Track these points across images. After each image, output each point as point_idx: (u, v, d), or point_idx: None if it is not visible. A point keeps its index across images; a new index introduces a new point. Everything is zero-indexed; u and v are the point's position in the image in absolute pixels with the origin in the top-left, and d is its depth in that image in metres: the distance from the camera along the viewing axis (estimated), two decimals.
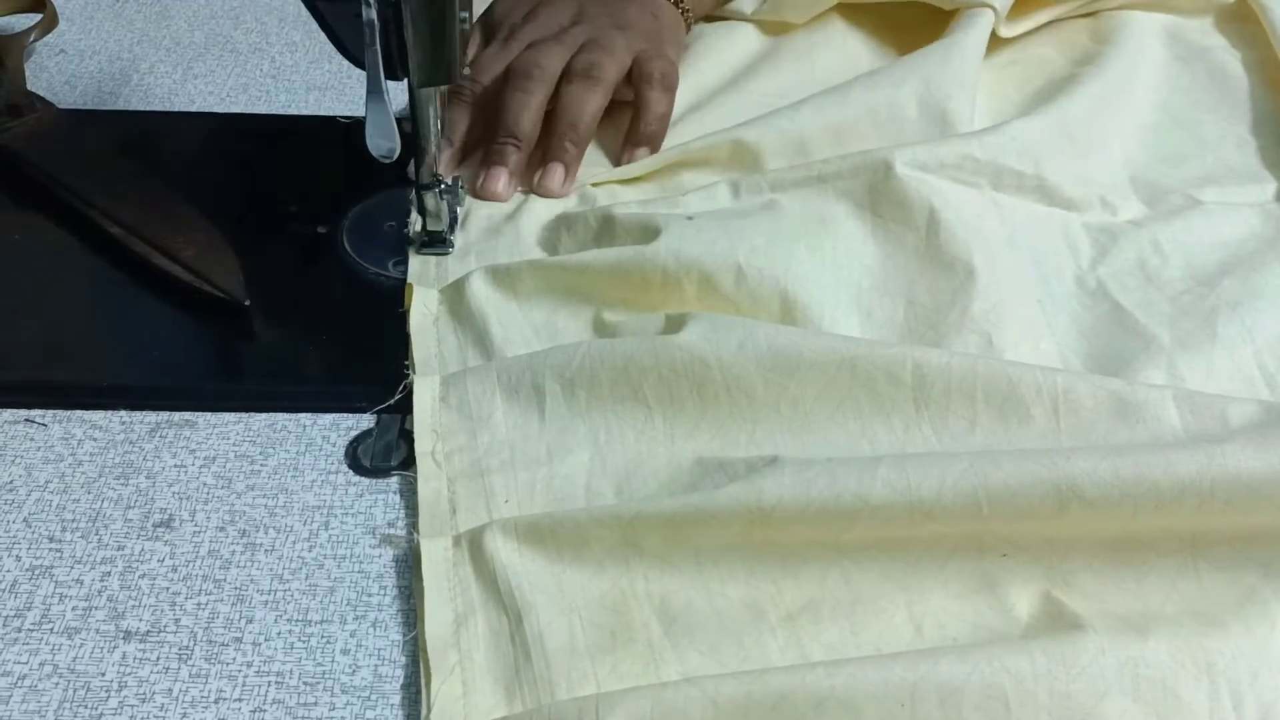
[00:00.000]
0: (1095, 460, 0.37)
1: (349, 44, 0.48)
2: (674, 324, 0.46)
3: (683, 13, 0.66)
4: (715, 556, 0.39)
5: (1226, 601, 0.38)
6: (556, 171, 0.56)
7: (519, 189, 0.57)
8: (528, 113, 0.56)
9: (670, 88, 0.60)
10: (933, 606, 0.39)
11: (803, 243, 0.51)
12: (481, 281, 0.50)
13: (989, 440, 0.42)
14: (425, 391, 0.46)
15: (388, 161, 0.46)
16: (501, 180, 0.56)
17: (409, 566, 0.41)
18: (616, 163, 0.59)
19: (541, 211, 0.56)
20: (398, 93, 0.46)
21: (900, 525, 0.38)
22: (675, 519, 0.39)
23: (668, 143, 0.59)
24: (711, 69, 0.65)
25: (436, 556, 0.40)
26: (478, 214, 0.56)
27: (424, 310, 0.50)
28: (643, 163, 0.58)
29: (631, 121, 0.59)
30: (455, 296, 0.50)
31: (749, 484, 0.39)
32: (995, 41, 0.65)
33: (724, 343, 0.44)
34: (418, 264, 0.53)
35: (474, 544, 0.40)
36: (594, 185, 0.57)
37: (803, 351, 0.43)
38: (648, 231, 0.51)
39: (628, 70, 0.60)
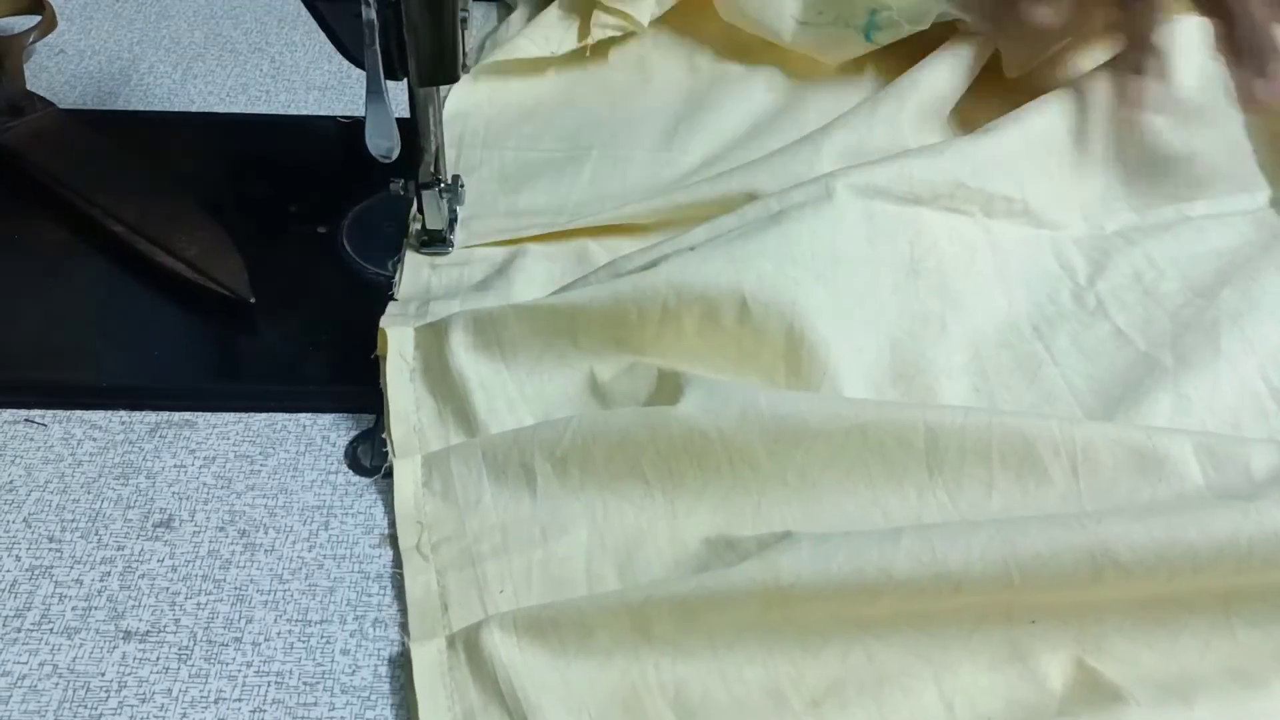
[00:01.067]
0: (1128, 524, 0.36)
1: (349, 44, 0.48)
2: (669, 389, 0.44)
3: None
4: (730, 639, 0.37)
5: (1264, 657, 0.37)
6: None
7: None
8: None
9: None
10: (963, 682, 0.37)
11: (810, 269, 0.48)
12: (463, 331, 0.47)
13: (1007, 504, 0.41)
14: (406, 477, 0.43)
15: (388, 161, 0.46)
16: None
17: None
18: None
19: (534, 268, 0.52)
20: (398, 93, 0.46)
21: (926, 598, 0.37)
22: (687, 602, 0.37)
23: (682, 195, 0.55)
24: (728, 120, 0.63)
25: (430, 661, 0.37)
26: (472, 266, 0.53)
27: (400, 363, 0.47)
28: (651, 207, 0.55)
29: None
30: (432, 345, 0.47)
31: (765, 561, 0.37)
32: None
33: (724, 413, 0.41)
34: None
35: (470, 643, 0.37)
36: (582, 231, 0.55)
37: (808, 419, 0.41)
38: (646, 265, 0.48)
39: None
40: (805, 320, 0.46)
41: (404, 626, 0.39)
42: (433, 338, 0.47)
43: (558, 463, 0.42)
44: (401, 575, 0.40)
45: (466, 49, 0.47)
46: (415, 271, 0.52)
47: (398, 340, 0.47)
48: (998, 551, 0.36)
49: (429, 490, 0.43)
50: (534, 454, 0.42)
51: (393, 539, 0.42)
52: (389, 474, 0.44)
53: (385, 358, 0.46)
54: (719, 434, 0.41)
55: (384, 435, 0.44)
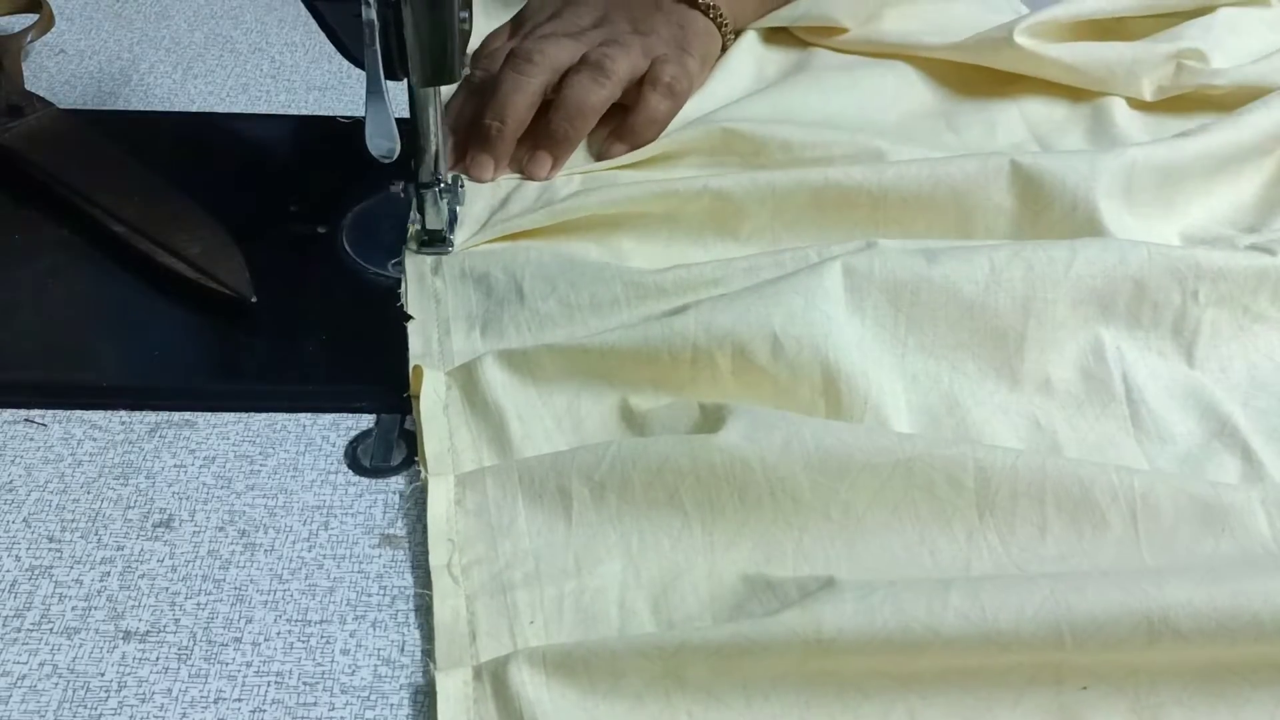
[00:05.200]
0: (1189, 589, 0.35)
1: (349, 44, 0.49)
2: (711, 419, 0.42)
3: (717, 23, 0.64)
4: (766, 689, 0.36)
5: None
6: (543, 160, 0.56)
7: (508, 173, 0.57)
8: (519, 95, 0.56)
9: (675, 95, 0.59)
10: None
11: (844, 303, 0.46)
12: (496, 367, 0.46)
13: (1062, 550, 0.39)
14: (440, 495, 0.41)
15: (388, 161, 0.46)
16: (487, 168, 0.56)
17: (409, 566, 0.41)
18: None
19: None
20: (398, 93, 0.46)
21: (973, 656, 0.35)
22: (724, 649, 0.35)
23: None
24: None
25: (455, 692, 0.36)
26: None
27: (434, 396, 0.45)
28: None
29: (623, 117, 0.58)
30: (468, 382, 0.46)
31: (806, 611, 0.35)
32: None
33: (768, 442, 0.40)
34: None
35: (497, 677, 0.36)
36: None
37: (853, 452, 0.40)
38: (676, 310, 0.47)
39: (641, 74, 0.59)
40: (840, 353, 0.44)
41: (429, 653, 0.38)
42: (466, 376, 0.46)
43: (595, 487, 0.41)
44: (429, 596, 0.39)
45: (466, 49, 0.47)
46: (420, 282, 0.51)
47: (432, 380, 0.46)
48: (1050, 612, 0.34)
49: (461, 508, 0.41)
50: (571, 477, 0.41)
51: (393, 539, 0.42)
52: (389, 474, 0.44)
53: (418, 396, 0.45)
54: (761, 464, 0.40)
55: (416, 459, 0.44)
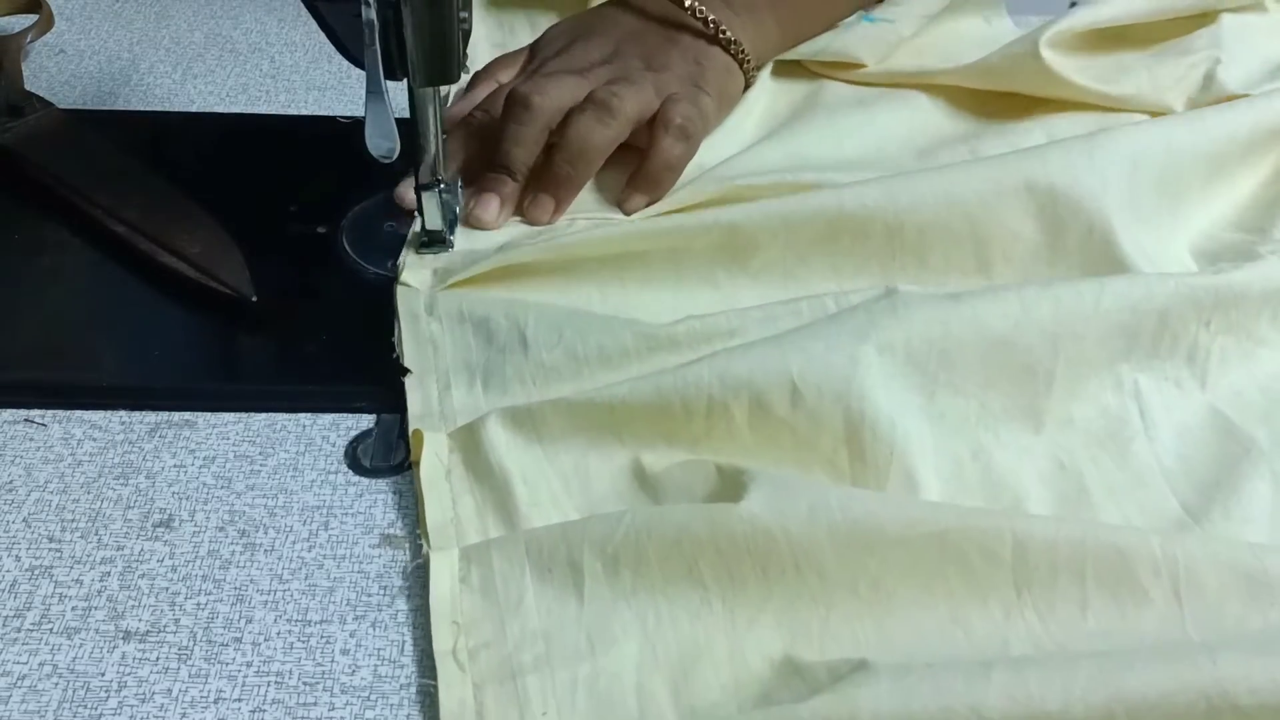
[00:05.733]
0: (1246, 662, 0.33)
1: (349, 44, 0.48)
2: (730, 484, 0.40)
3: (739, 59, 0.61)
4: None
5: None
6: (545, 203, 0.54)
7: (512, 218, 0.55)
8: (520, 146, 0.54)
9: (689, 137, 0.55)
10: None
11: (870, 341, 0.44)
12: (499, 427, 0.43)
13: (1103, 627, 0.37)
14: (443, 572, 0.39)
15: (387, 161, 0.46)
16: (491, 208, 0.54)
17: (409, 566, 0.41)
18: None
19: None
20: (398, 93, 0.46)
21: None
22: None
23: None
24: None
25: None
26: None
27: (435, 462, 0.43)
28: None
29: (638, 164, 0.55)
30: (470, 444, 0.44)
31: (840, 696, 0.33)
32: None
33: (791, 512, 0.38)
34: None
35: None
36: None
37: (883, 523, 0.38)
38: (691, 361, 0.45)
39: (652, 114, 0.55)
40: (864, 398, 0.42)
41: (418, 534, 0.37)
42: (469, 437, 0.44)
43: (608, 561, 0.39)
44: (434, 686, 0.36)
45: (466, 50, 0.47)
46: (414, 325, 0.49)
47: (433, 444, 0.44)
48: (1101, 692, 0.33)
49: (467, 586, 0.39)
50: (583, 550, 0.39)
51: (393, 539, 0.42)
52: (389, 474, 0.44)
53: (419, 462, 0.43)
54: (785, 535, 0.38)
55: (418, 532, 0.41)
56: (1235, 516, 0.43)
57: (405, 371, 0.47)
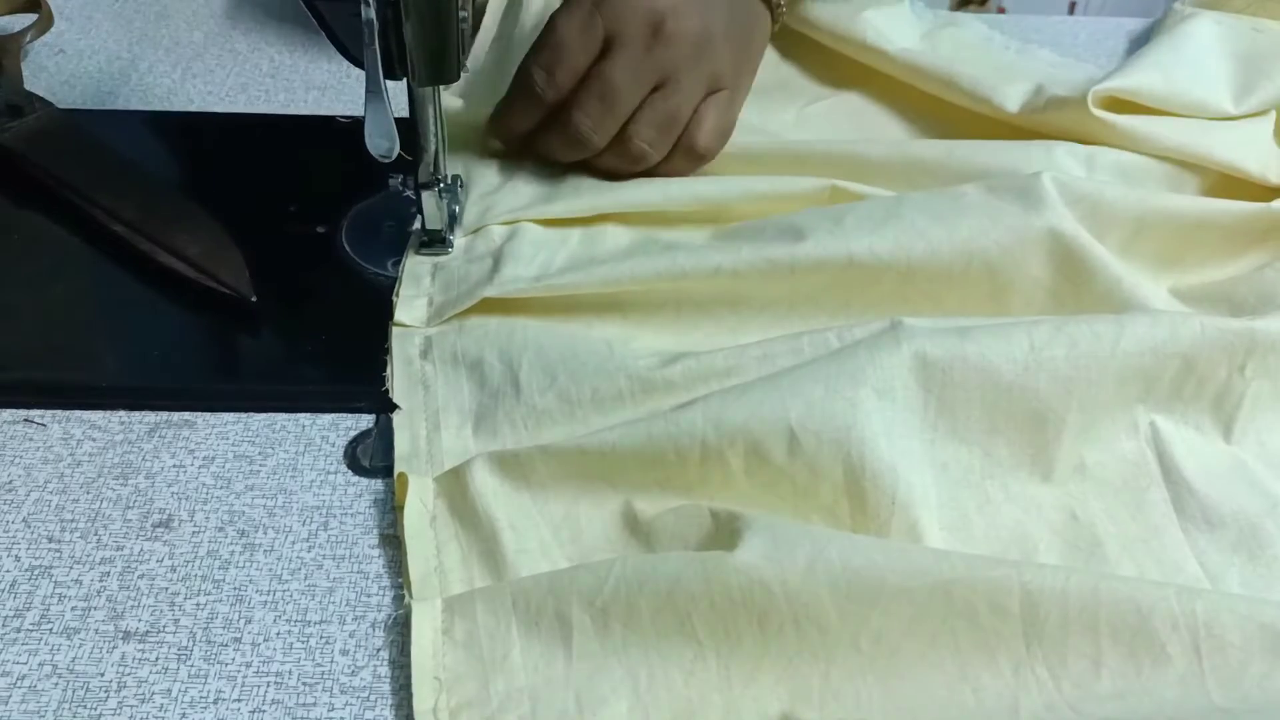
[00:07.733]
0: None
1: (348, 44, 0.48)
2: (725, 532, 0.39)
3: (774, 8, 0.62)
4: None
5: None
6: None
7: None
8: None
9: (702, 158, 0.57)
10: None
11: (869, 386, 0.42)
12: (486, 472, 0.42)
13: (1119, 686, 0.35)
14: (425, 624, 0.37)
15: (387, 161, 0.46)
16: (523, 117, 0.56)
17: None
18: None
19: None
20: (398, 93, 0.46)
21: None
22: None
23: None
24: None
25: None
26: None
27: (419, 507, 0.42)
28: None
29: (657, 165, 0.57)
30: (455, 489, 0.42)
31: None
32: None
33: (790, 562, 0.36)
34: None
35: None
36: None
37: (886, 574, 0.36)
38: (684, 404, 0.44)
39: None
40: (864, 446, 0.41)
41: None
42: (455, 482, 0.42)
43: (597, 614, 0.37)
44: None
45: (466, 49, 0.47)
46: (407, 366, 0.48)
47: (418, 489, 0.42)
48: None
49: (449, 639, 0.37)
50: (571, 603, 0.37)
51: (393, 539, 0.42)
52: (389, 474, 0.44)
53: (403, 506, 0.42)
54: (783, 587, 0.36)
55: (401, 580, 0.40)
56: (1258, 572, 0.41)
57: (394, 407, 0.46)
